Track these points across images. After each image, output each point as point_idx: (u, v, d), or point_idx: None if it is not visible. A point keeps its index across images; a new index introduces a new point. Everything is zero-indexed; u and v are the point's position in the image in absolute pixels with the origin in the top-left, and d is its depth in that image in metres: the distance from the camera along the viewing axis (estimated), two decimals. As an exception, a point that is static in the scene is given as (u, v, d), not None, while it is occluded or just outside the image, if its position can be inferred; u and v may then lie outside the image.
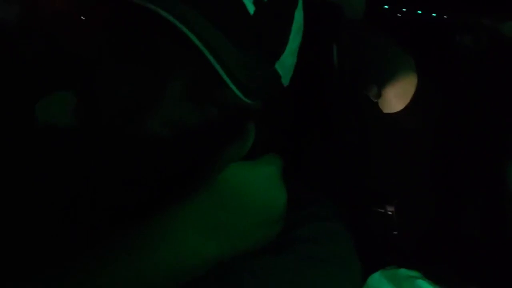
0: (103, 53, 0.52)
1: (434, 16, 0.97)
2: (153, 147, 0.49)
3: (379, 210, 0.75)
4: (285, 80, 0.57)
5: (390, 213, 0.74)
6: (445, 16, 0.96)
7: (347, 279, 0.56)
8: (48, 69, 0.76)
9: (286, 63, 0.55)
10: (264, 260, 0.53)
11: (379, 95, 0.74)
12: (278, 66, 0.54)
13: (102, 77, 0.52)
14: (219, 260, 0.48)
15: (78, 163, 0.56)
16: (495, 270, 0.63)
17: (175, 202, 0.47)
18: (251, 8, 0.48)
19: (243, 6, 0.48)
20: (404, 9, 0.99)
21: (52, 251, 0.48)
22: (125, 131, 0.50)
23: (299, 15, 0.55)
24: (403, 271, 0.61)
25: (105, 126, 0.52)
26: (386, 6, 0.98)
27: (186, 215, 0.47)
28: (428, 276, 0.59)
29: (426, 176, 0.76)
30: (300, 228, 0.56)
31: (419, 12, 0.98)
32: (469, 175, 0.73)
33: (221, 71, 0.45)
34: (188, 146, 0.50)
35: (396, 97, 0.74)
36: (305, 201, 0.60)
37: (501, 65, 0.84)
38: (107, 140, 0.52)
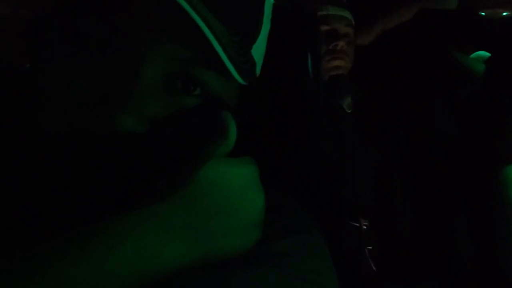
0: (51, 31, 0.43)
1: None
2: (127, 146, 0.41)
3: (353, 223, 0.68)
4: (258, 70, 0.49)
5: (364, 227, 0.67)
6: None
7: None
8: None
9: (260, 49, 0.49)
10: (237, 272, 0.44)
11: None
12: (254, 51, 0.47)
13: (49, 61, 0.42)
14: (188, 264, 0.41)
15: (44, 163, 0.46)
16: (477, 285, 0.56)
17: (147, 202, 0.40)
18: None
19: None
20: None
21: (11, 245, 0.40)
22: (91, 128, 0.41)
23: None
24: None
25: (58, 122, 0.42)
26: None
27: (153, 211, 0.40)
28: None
29: (402, 189, 0.69)
30: (277, 241, 0.48)
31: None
32: (450, 189, 0.66)
33: (217, 47, 0.39)
34: (165, 143, 0.42)
35: None
36: (280, 210, 0.52)
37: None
38: (69, 138, 0.42)
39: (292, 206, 0.55)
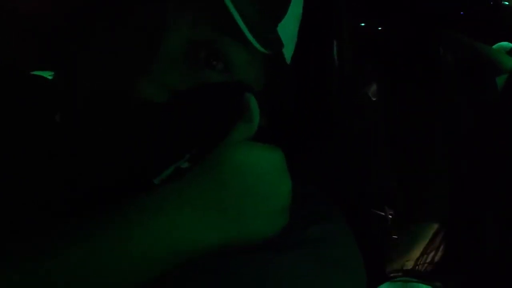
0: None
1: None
2: (147, 114, 0.40)
3: (378, 212, 0.66)
4: (287, 54, 0.47)
5: (390, 216, 0.65)
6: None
7: (355, 286, 0.47)
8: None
9: (288, 30, 0.47)
10: (265, 257, 0.44)
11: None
12: (280, 30, 0.45)
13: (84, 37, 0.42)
14: (217, 246, 0.40)
15: (68, 132, 0.45)
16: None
17: (173, 177, 0.40)
18: None
19: None
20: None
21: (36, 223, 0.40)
22: (115, 97, 0.41)
23: None
24: (413, 285, 0.51)
25: (89, 94, 0.42)
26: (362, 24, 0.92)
27: (182, 191, 0.39)
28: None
29: (430, 178, 0.67)
30: (305, 228, 0.47)
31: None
32: (477, 179, 0.64)
33: (238, 18, 0.38)
34: (186, 121, 0.41)
35: None
36: (307, 198, 0.50)
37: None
38: (95, 108, 0.42)
39: (318, 194, 0.54)
